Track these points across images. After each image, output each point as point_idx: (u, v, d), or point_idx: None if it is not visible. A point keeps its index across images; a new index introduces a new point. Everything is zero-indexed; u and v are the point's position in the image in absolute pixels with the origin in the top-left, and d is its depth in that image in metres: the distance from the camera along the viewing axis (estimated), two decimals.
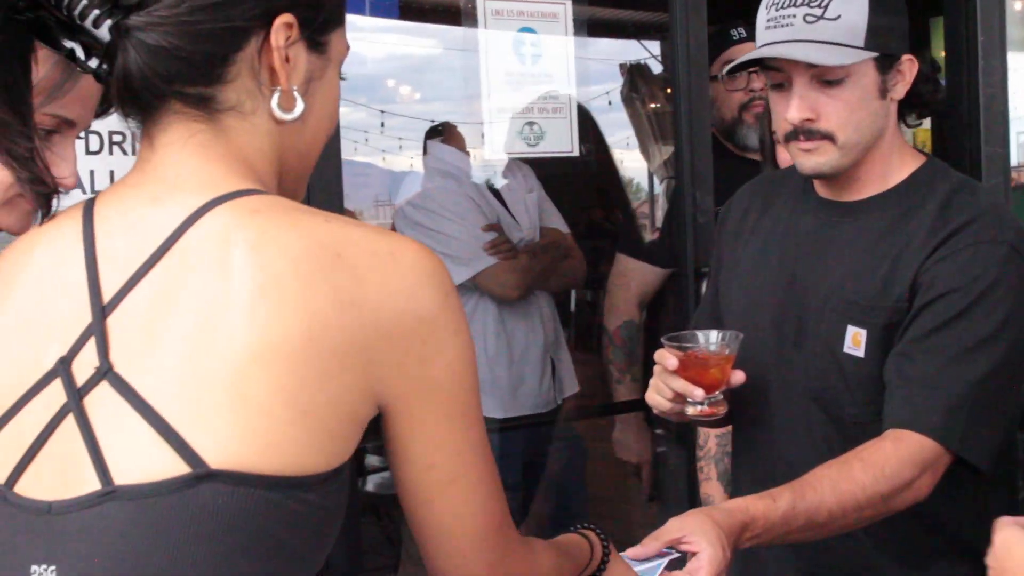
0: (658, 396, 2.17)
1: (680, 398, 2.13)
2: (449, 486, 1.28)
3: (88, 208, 1.28)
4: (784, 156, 2.80)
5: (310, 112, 1.32)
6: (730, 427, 2.67)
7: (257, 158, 1.30)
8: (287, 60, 1.28)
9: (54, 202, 1.38)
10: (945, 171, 2.23)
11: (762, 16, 2.14)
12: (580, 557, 1.58)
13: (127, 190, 1.28)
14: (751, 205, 2.41)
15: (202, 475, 1.11)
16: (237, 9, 1.25)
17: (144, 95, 1.25)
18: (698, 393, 2.10)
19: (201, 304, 1.16)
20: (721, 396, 2.14)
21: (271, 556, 1.15)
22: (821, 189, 2.26)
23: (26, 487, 1.17)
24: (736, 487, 2.44)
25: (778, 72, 2.13)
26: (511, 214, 3.92)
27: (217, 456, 1.12)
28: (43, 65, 1.53)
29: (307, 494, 1.16)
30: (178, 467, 1.11)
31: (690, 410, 2.13)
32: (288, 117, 1.29)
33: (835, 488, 1.94)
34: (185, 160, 1.26)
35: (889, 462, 1.97)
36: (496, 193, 3.96)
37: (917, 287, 2.09)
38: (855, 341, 2.13)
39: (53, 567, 1.13)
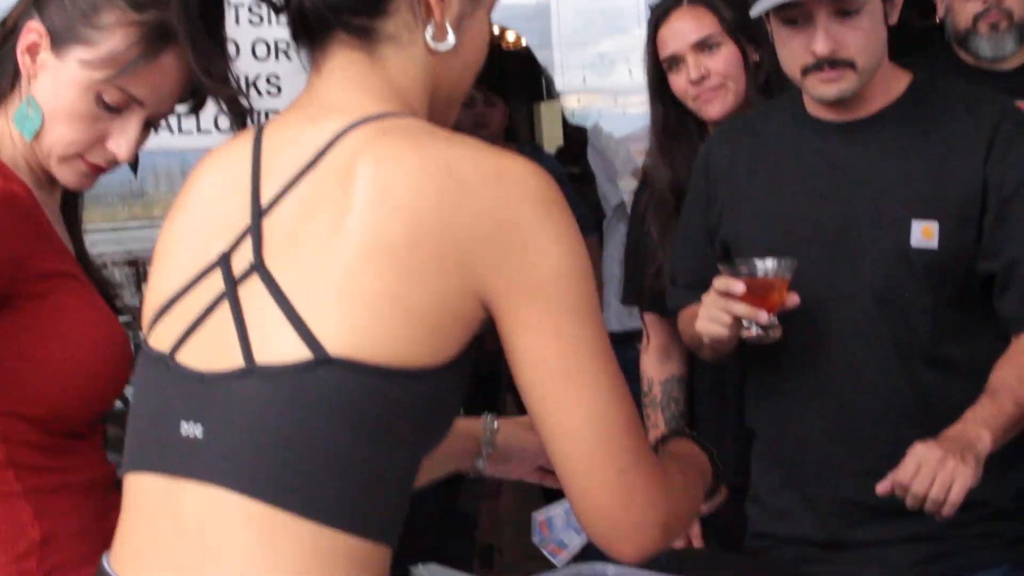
0: (714, 324, 2.24)
1: (737, 324, 2.21)
2: (562, 381, 1.33)
3: (260, 128, 1.44)
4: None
5: (460, 46, 1.45)
6: (675, 373, 2.94)
7: (409, 85, 1.44)
8: None
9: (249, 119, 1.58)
10: (932, 77, 2.40)
11: None
12: (705, 471, 1.65)
13: (293, 112, 1.45)
14: (735, 148, 2.50)
15: (322, 360, 1.26)
16: None
17: (314, 25, 1.42)
18: (763, 316, 2.19)
19: (330, 210, 1.31)
20: (777, 320, 2.22)
21: (379, 440, 1.28)
22: (823, 112, 2.38)
23: (185, 357, 1.35)
24: (779, 412, 2.46)
25: (793, 9, 2.25)
26: None
27: (334, 345, 1.26)
28: (120, 39, 1.73)
29: (413, 384, 1.28)
30: (303, 353, 1.26)
31: (753, 331, 2.22)
32: (441, 47, 1.43)
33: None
34: (343, 86, 1.42)
35: None
36: None
37: (988, 186, 2.25)
38: (926, 234, 2.26)
39: (200, 425, 1.30)
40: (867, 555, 2.37)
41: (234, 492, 1.27)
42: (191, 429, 1.31)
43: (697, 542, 2.90)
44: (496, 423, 1.77)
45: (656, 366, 3.05)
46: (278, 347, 1.29)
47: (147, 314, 1.44)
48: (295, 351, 1.27)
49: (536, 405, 1.35)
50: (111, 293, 1.95)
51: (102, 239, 5.66)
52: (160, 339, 1.39)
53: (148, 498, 1.35)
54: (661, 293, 2.81)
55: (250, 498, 1.26)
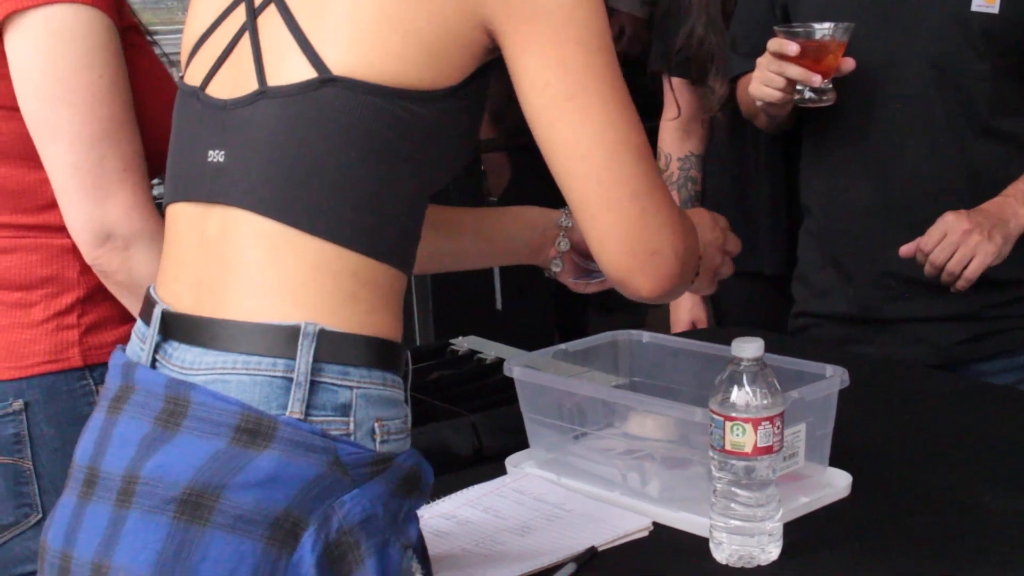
0: (767, 86, 2.23)
1: (791, 87, 2.20)
2: (568, 101, 1.33)
3: None
4: None
5: None
6: (694, 151, 2.87)
7: None
8: None
9: None
10: None
11: None
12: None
13: None
14: None
15: (326, 79, 1.29)
16: None
17: None
18: (817, 79, 2.18)
19: None
20: (831, 85, 2.21)
21: (383, 158, 1.31)
22: None
23: (213, 89, 1.38)
24: (829, 184, 2.44)
25: None
26: None
27: (338, 65, 1.29)
28: None
29: (414, 105, 1.30)
30: (309, 73, 1.30)
31: (806, 95, 2.21)
32: None
33: None
34: None
35: None
36: None
37: None
38: None
39: (223, 151, 1.34)
40: (907, 334, 2.36)
41: (247, 211, 1.31)
42: (216, 156, 1.35)
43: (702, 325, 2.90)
44: (571, 220, 1.74)
45: (675, 141, 2.91)
46: (288, 69, 1.32)
47: (184, 53, 1.47)
48: (302, 72, 1.30)
49: (545, 132, 1.35)
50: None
51: None
52: (193, 75, 1.43)
53: (183, 226, 1.39)
54: (690, 57, 2.75)
55: (261, 216, 1.30)
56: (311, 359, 1.27)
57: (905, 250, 2.16)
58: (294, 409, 1.26)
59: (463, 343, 2.49)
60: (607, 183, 1.35)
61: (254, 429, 1.25)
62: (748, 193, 2.81)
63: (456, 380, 2.30)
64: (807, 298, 2.52)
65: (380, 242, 1.32)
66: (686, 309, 2.88)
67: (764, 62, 2.23)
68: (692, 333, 2.71)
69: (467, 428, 1.96)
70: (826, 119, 2.34)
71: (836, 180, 2.40)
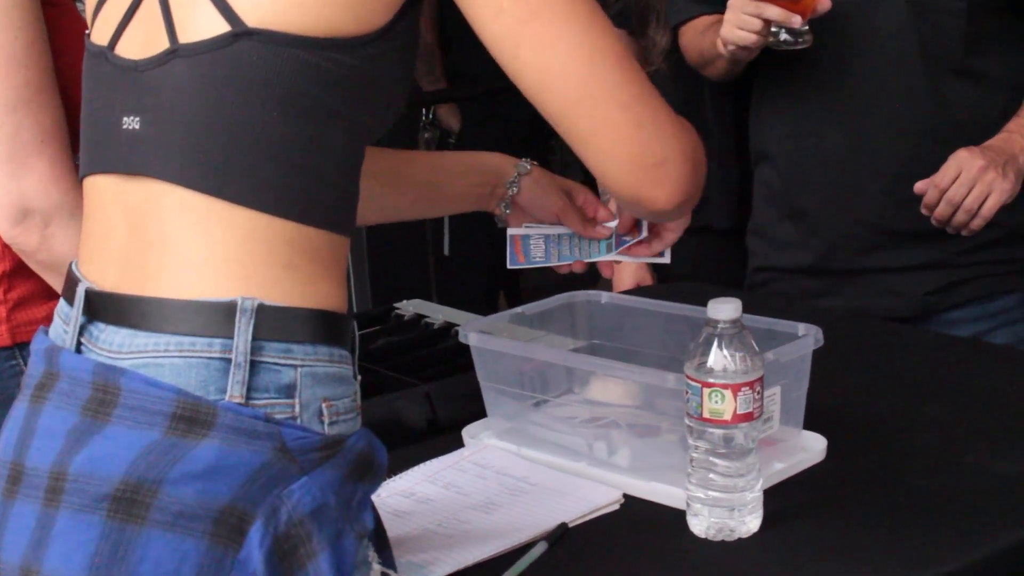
0: (742, 29, 2.15)
1: (766, 29, 2.13)
2: (524, 27, 1.24)
3: None
4: None
5: None
6: None
7: None
8: None
9: None
10: None
11: None
12: None
13: None
14: None
15: (240, 32, 1.19)
16: None
17: None
18: (797, 19, 2.10)
19: None
20: (807, 25, 2.13)
21: (309, 115, 1.21)
22: None
23: (123, 49, 1.28)
24: (795, 128, 2.35)
25: None
26: None
27: (252, 16, 1.19)
28: None
29: (338, 55, 1.21)
30: (222, 26, 1.20)
31: (782, 37, 2.14)
32: None
33: None
34: None
35: None
36: None
37: None
38: None
39: (137, 118, 1.24)
40: (877, 284, 2.30)
41: (167, 183, 1.21)
42: (131, 123, 1.24)
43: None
44: (530, 165, 1.67)
45: None
46: (199, 23, 1.21)
47: (89, 7, 1.36)
48: (214, 25, 1.20)
49: (511, 63, 1.26)
50: None
51: None
52: (100, 32, 1.32)
53: (102, 199, 1.29)
54: (630, 7, 2.66)
55: (183, 187, 1.21)
56: (250, 337, 1.17)
57: (920, 186, 2.08)
58: (234, 393, 1.16)
59: (408, 307, 2.40)
60: (592, 100, 1.27)
61: (191, 417, 1.15)
62: None
63: (403, 347, 2.21)
64: (766, 252, 2.45)
65: (314, 207, 1.22)
66: (629, 271, 2.78)
67: (739, 3, 2.14)
68: (643, 291, 2.62)
69: (421, 398, 1.87)
70: (793, 64, 2.26)
71: (804, 122, 2.32)
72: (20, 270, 1.67)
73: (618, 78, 1.27)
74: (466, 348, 1.78)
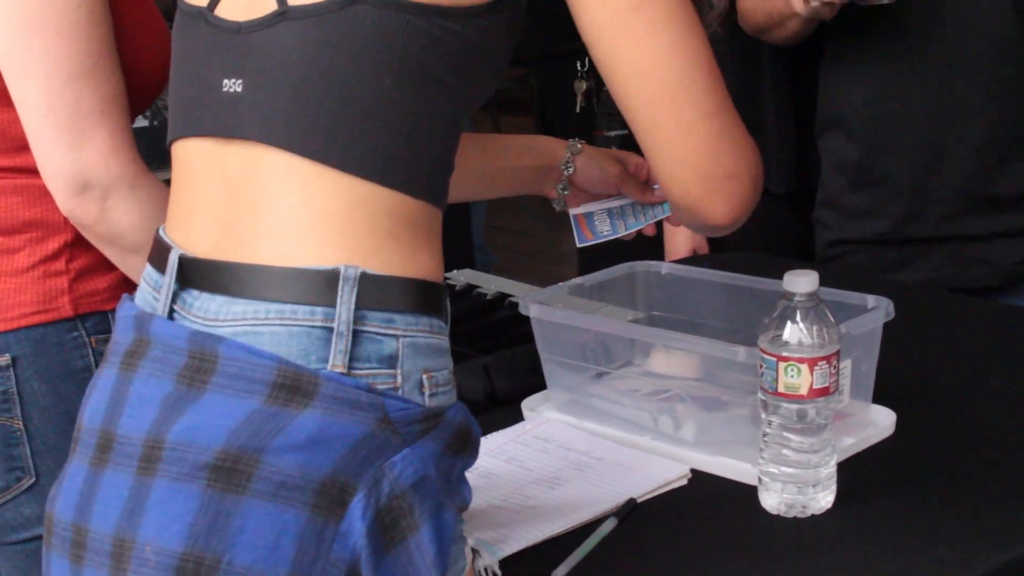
0: None
1: None
2: (629, 15, 1.23)
3: None
4: None
5: None
6: None
7: None
8: None
9: None
10: None
11: None
12: None
13: None
14: None
15: None
16: None
17: None
18: None
19: None
20: None
21: (418, 83, 1.19)
22: None
23: (223, 10, 1.25)
24: (876, 90, 2.27)
25: None
26: None
27: None
28: None
29: (449, 23, 1.19)
30: None
31: None
32: None
33: None
34: None
35: None
36: None
37: None
38: None
39: (240, 80, 1.22)
40: (963, 252, 2.23)
41: (273, 148, 1.19)
42: (232, 85, 1.22)
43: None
44: (580, 144, 1.67)
45: None
46: None
47: None
48: None
49: (607, 51, 1.25)
50: None
51: None
52: None
53: (197, 163, 1.26)
54: None
55: (288, 152, 1.18)
56: (353, 306, 1.15)
57: None
58: (336, 362, 1.14)
59: (460, 277, 2.37)
60: (679, 102, 1.25)
61: (293, 385, 1.12)
62: (754, 112, 2.68)
63: (457, 318, 2.17)
64: (840, 224, 2.35)
65: (417, 176, 1.20)
66: (685, 237, 2.73)
67: None
68: (699, 259, 2.58)
69: (479, 371, 1.84)
70: (874, 24, 2.18)
71: (885, 84, 2.23)
72: (82, 240, 1.64)
73: (708, 85, 1.27)
74: (522, 319, 1.76)
